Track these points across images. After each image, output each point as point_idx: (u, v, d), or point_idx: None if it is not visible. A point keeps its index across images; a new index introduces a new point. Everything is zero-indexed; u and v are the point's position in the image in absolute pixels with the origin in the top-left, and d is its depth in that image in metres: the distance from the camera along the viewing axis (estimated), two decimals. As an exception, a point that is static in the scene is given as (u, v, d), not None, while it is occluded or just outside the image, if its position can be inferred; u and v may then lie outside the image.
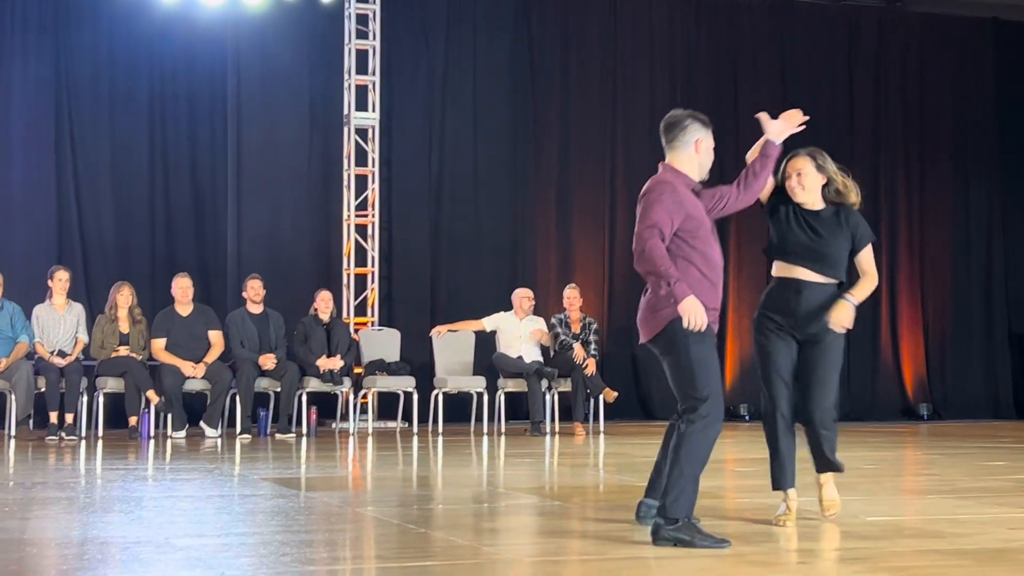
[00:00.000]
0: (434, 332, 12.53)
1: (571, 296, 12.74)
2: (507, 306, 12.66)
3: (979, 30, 16.32)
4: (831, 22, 15.86)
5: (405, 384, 12.29)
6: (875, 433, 12.83)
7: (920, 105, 16.11)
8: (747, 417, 14.62)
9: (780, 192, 5.67)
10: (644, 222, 5.07)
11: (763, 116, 5.40)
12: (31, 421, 11.36)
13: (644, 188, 5.23)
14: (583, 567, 4.44)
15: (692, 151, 5.25)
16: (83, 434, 11.04)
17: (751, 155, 5.44)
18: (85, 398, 11.11)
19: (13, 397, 10.79)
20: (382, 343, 12.66)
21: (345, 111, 13.39)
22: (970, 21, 16.25)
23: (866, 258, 5.61)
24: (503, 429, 12.27)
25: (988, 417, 15.64)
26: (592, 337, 12.62)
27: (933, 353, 15.91)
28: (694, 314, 4.94)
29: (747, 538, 5.07)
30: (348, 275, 13.28)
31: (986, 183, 16.29)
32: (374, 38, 13.40)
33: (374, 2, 13.42)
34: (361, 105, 13.35)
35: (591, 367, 12.24)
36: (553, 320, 12.70)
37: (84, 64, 12.99)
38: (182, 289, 11.63)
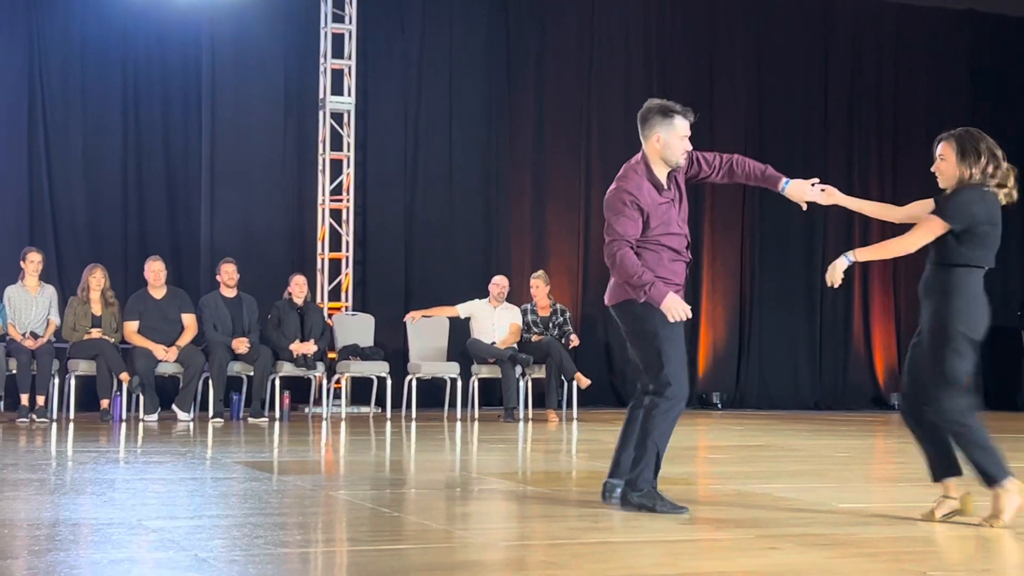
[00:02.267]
0: (408, 317, 12.51)
1: (536, 285, 12.72)
2: (481, 292, 12.66)
3: (955, 21, 16.37)
4: (807, 11, 15.89)
5: (379, 369, 12.28)
6: (846, 422, 12.89)
7: (895, 95, 16.16)
8: (719, 405, 14.68)
9: None
10: (611, 234, 5.25)
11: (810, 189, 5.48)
12: (2, 403, 11.30)
13: (608, 192, 5.34)
14: (554, 551, 4.45)
15: (653, 146, 5.36)
16: (54, 416, 11.01)
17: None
18: (57, 380, 11.08)
19: (-16, 379, 10.74)
20: (356, 328, 12.65)
21: (320, 95, 13.35)
22: (946, 12, 16.30)
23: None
24: (476, 415, 12.30)
25: (959, 407, 15.69)
26: (567, 329, 12.63)
27: (905, 343, 15.96)
28: (676, 310, 5.18)
29: (718, 524, 5.10)
30: (322, 260, 13.25)
31: (959, 174, 16.33)
32: (350, 22, 13.35)
33: (350, -14, 13.39)
34: (337, 89, 13.31)
35: (575, 343, 12.38)
36: (522, 309, 12.71)
37: (57, 47, 12.89)
38: (154, 272, 11.60)
